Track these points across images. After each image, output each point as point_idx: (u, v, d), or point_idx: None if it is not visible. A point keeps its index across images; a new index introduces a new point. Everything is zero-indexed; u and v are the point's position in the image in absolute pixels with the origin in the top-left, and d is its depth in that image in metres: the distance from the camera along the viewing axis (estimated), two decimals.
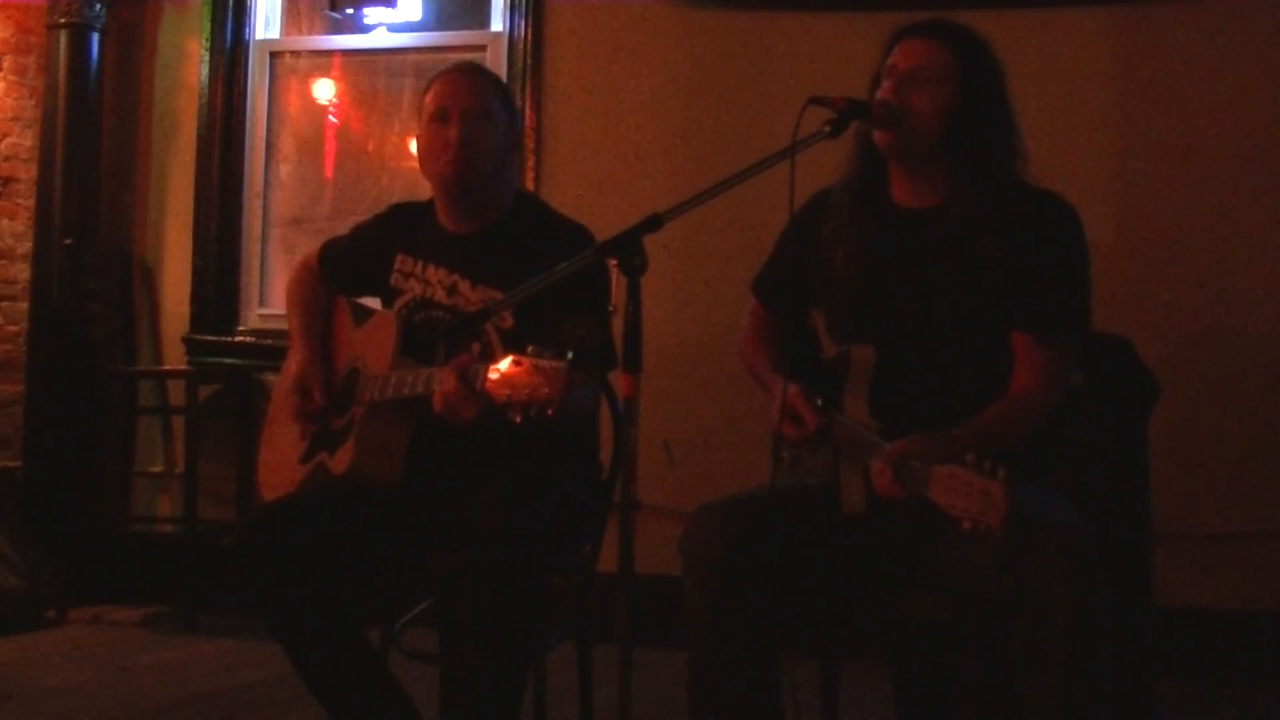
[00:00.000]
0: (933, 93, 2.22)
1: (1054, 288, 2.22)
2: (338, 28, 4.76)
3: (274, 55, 4.70)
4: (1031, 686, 2.00)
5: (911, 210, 2.31)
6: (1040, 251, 2.22)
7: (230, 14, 4.62)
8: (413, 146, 4.46)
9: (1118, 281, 3.73)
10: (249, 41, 4.66)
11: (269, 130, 4.70)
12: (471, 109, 2.57)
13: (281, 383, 2.75)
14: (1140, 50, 3.89)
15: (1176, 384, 3.33)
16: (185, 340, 4.59)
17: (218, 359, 4.54)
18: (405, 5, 4.63)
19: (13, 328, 4.67)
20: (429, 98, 2.62)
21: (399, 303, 2.66)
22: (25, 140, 4.69)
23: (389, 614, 2.70)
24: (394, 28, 4.68)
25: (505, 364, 2.06)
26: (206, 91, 4.61)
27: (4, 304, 4.68)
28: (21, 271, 4.66)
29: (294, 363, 2.68)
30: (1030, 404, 2.20)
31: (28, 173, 4.66)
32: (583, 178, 4.26)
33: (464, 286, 2.59)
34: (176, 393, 4.54)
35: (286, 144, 4.75)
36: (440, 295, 2.61)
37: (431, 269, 2.63)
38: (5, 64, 4.69)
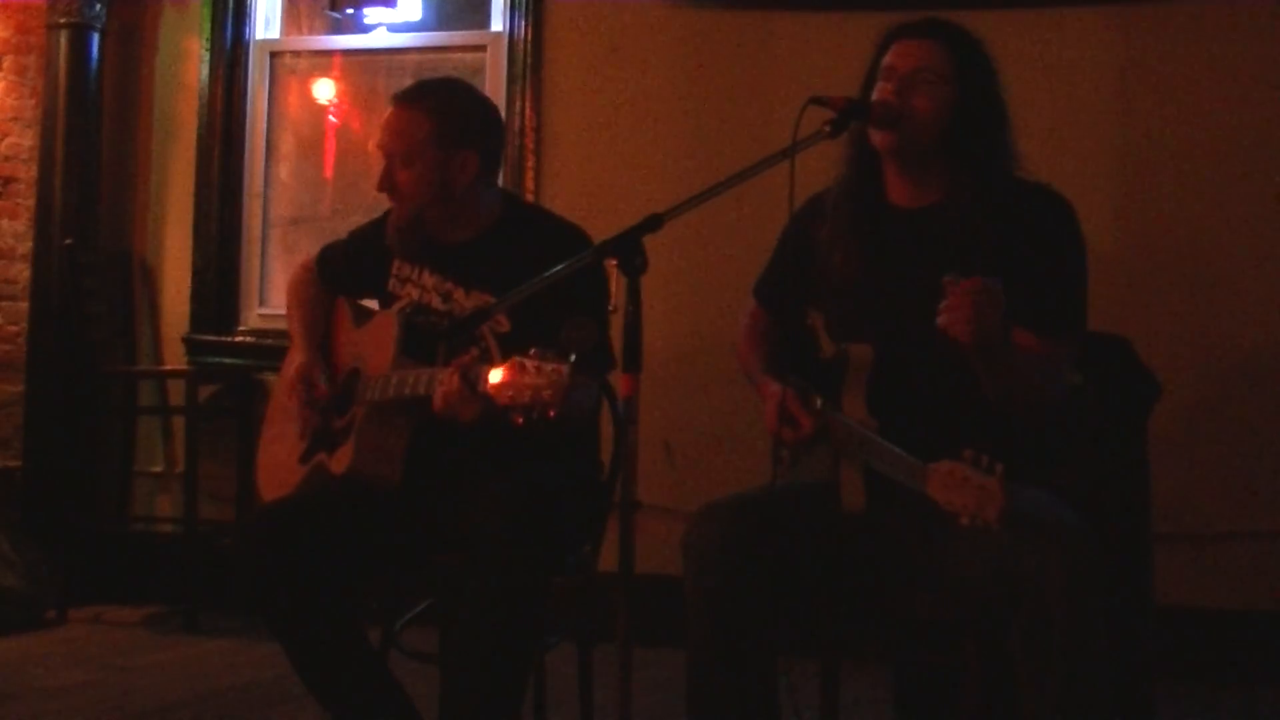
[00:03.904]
0: (933, 93, 2.22)
1: (1051, 282, 2.22)
2: (338, 28, 4.75)
3: (274, 55, 4.70)
4: (1031, 686, 2.00)
5: (908, 209, 2.31)
6: (1037, 245, 2.22)
7: (230, 14, 4.61)
8: None
9: (1118, 281, 3.73)
10: (249, 41, 4.65)
11: (269, 130, 4.70)
12: (397, 154, 2.54)
13: (281, 381, 2.75)
14: (1140, 50, 3.89)
15: (1176, 384, 3.33)
16: (185, 340, 4.59)
17: (218, 359, 4.54)
18: (405, 5, 4.62)
19: (13, 328, 4.67)
20: None
21: (396, 307, 2.65)
22: (25, 140, 4.69)
23: (389, 614, 2.70)
24: (394, 28, 4.68)
25: (507, 365, 2.07)
26: (206, 91, 4.60)
27: (4, 304, 4.69)
28: (21, 271, 4.65)
29: (294, 360, 2.67)
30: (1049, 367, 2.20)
31: (28, 173, 4.66)
32: (583, 177, 4.26)
33: (458, 294, 2.58)
34: (176, 392, 4.53)
35: (286, 144, 4.75)
36: (436, 301, 2.60)
37: (428, 274, 2.63)
38: (5, 64, 4.69)
